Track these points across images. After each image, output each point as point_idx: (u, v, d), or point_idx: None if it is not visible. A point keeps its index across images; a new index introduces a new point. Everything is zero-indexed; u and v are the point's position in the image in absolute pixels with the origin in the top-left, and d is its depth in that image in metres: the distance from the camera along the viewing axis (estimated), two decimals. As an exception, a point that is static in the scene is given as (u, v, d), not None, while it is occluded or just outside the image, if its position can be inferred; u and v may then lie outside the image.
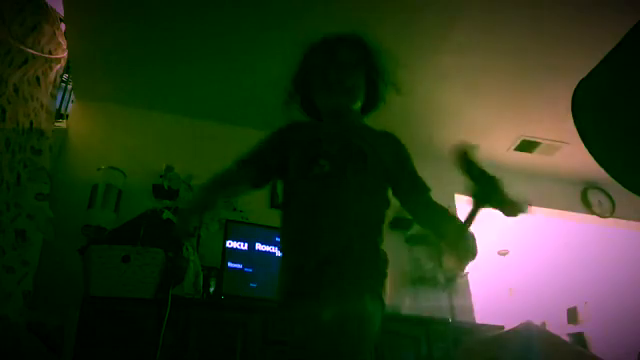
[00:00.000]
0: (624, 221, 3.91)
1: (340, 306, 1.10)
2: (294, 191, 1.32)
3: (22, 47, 2.03)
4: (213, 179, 1.49)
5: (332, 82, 1.36)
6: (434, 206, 1.33)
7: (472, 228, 1.17)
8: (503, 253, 5.25)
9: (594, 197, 3.86)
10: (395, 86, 1.44)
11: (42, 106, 2.35)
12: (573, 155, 3.46)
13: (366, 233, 1.24)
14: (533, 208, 1.17)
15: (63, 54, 2.51)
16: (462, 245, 1.17)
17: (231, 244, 2.47)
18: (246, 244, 2.50)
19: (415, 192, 1.35)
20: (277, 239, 2.50)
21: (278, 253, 2.50)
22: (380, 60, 1.42)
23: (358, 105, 1.41)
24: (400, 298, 2.78)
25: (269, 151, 1.47)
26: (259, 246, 2.54)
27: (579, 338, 4.74)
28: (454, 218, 1.29)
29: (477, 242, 1.20)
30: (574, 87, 0.97)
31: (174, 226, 1.30)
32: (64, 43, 2.49)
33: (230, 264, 2.40)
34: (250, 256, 2.48)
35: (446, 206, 1.35)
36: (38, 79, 2.28)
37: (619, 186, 0.94)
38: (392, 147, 1.38)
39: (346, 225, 1.21)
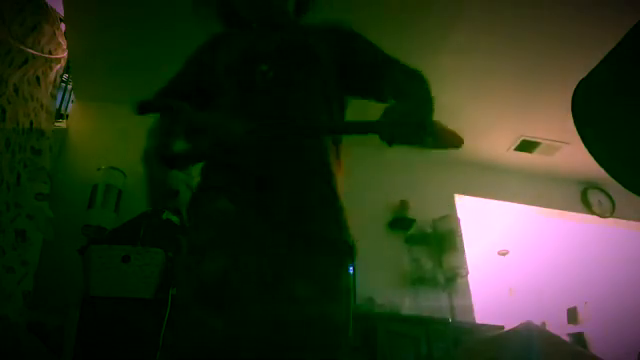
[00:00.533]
0: (624, 221, 3.91)
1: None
2: (228, 107, 1.09)
3: (22, 47, 2.03)
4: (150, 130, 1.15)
5: None
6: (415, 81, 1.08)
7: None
8: (503, 253, 5.25)
9: (594, 197, 3.86)
10: None
11: (42, 106, 2.35)
12: (573, 155, 3.46)
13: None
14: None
15: (63, 54, 2.51)
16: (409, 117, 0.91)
17: None
18: None
19: (383, 72, 1.11)
20: None
21: None
22: None
23: (290, 6, 1.21)
24: (400, 298, 2.78)
25: (193, 75, 1.25)
26: None
27: (579, 338, 4.74)
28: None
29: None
30: (574, 87, 0.97)
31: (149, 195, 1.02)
32: (64, 43, 2.49)
33: None
34: None
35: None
36: (38, 79, 2.28)
37: (619, 186, 0.94)
38: (342, 37, 1.17)
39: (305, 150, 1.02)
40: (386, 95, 1.08)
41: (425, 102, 0.99)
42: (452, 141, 0.98)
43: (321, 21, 1.20)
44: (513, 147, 3.43)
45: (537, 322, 2.84)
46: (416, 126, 0.88)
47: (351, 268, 1.02)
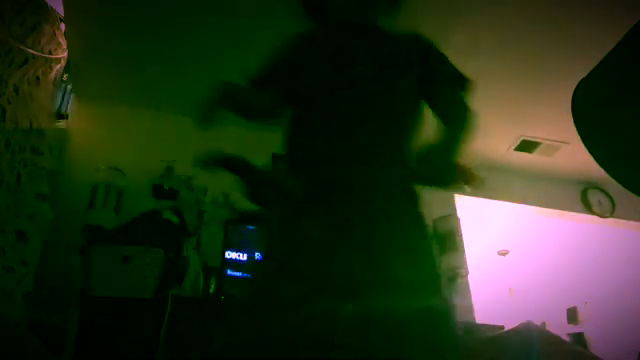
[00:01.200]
0: (624, 221, 3.91)
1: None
2: (329, 104, 1.13)
3: (22, 47, 2.03)
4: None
5: None
6: (462, 106, 1.21)
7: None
8: (503, 253, 5.25)
9: (594, 197, 3.86)
10: None
11: (42, 106, 2.35)
12: (573, 155, 3.46)
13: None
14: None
15: (63, 54, 2.51)
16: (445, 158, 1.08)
17: (230, 255, 2.42)
18: (245, 254, 2.45)
19: (446, 86, 1.24)
20: None
21: None
22: None
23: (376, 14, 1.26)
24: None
25: (286, 70, 1.26)
26: (259, 255, 2.46)
27: (579, 338, 4.74)
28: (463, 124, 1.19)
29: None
30: (574, 87, 0.97)
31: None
32: (64, 43, 2.49)
33: (229, 272, 2.38)
34: (250, 265, 2.44)
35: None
36: (38, 79, 2.28)
37: (619, 186, 0.94)
38: (422, 48, 1.25)
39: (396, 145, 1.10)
40: (436, 109, 1.22)
41: (456, 141, 1.15)
42: (470, 182, 1.15)
43: (402, 30, 1.28)
44: (513, 147, 3.43)
45: (537, 322, 2.84)
46: (443, 181, 1.10)
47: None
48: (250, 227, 2.58)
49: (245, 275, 2.40)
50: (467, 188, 1.14)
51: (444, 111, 1.22)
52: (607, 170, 0.94)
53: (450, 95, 1.23)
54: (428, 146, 1.06)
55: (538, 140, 3.37)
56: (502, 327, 2.72)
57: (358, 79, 1.11)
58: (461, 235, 3.16)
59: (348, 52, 1.17)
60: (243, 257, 2.44)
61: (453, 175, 1.11)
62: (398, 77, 1.15)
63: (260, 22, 2.41)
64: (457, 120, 1.19)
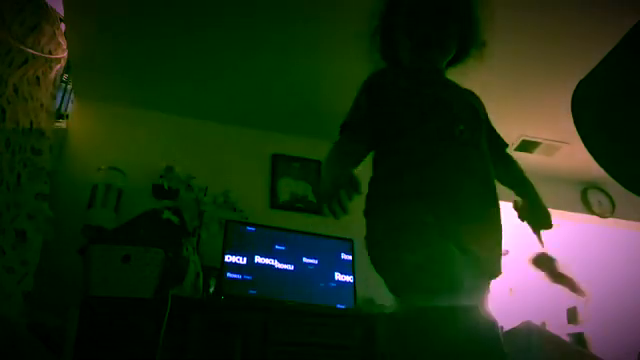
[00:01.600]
0: (624, 221, 3.91)
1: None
2: (432, 152, 1.18)
3: (22, 47, 2.03)
4: (334, 155, 1.20)
5: (430, 34, 1.24)
6: (514, 164, 1.42)
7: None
8: (503, 253, 5.24)
9: (594, 197, 3.86)
10: (483, 44, 1.35)
11: (42, 106, 2.35)
12: (573, 155, 3.46)
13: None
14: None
15: (63, 54, 2.51)
16: (544, 210, 1.35)
17: (230, 258, 2.41)
18: (245, 258, 2.44)
19: (497, 147, 1.41)
20: (277, 247, 2.52)
21: (277, 264, 2.48)
22: (474, 11, 1.32)
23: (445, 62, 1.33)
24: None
25: (378, 108, 1.26)
26: (258, 259, 2.47)
27: (579, 338, 4.74)
28: (531, 182, 1.38)
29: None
30: (574, 87, 0.97)
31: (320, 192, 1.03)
32: (64, 43, 2.49)
33: (229, 274, 2.38)
34: (249, 267, 2.45)
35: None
36: (38, 79, 2.28)
37: (619, 186, 0.94)
38: (481, 105, 1.40)
39: (489, 195, 1.27)
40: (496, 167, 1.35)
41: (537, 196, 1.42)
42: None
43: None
44: (513, 147, 3.43)
45: (537, 322, 2.84)
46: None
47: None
48: (250, 228, 2.58)
49: (245, 277, 2.40)
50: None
51: (506, 171, 1.44)
52: (607, 170, 0.94)
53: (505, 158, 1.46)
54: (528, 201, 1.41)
55: (538, 140, 3.37)
56: (502, 327, 2.72)
57: (458, 134, 1.19)
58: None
59: (450, 107, 1.24)
60: (242, 261, 2.43)
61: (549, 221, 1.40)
62: (481, 134, 1.28)
63: (259, 22, 2.41)
64: (524, 180, 1.43)
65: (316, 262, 2.58)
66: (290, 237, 2.63)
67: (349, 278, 2.62)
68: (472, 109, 1.28)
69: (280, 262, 2.50)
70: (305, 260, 2.56)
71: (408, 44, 1.28)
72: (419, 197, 1.13)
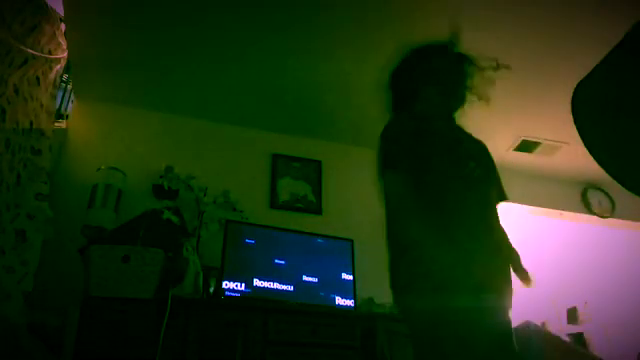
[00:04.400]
0: (624, 221, 3.91)
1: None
2: (446, 188, 1.36)
3: (22, 47, 2.03)
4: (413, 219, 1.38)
5: (462, 96, 1.52)
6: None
7: None
8: (503, 253, 5.24)
9: (594, 197, 3.86)
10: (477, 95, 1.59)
11: (42, 106, 2.35)
12: (573, 155, 3.46)
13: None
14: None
15: (63, 54, 2.51)
16: (523, 274, 1.45)
17: (228, 285, 2.35)
18: (243, 285, 2.39)
19: (499, 199, 1.55)
20: (276, 261, 2.50)
21: (278, 286, 2.45)
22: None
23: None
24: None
25: (411, 158, 1.43)
26: (257, 282, 2.42)
27: (579, 338, 4.74)
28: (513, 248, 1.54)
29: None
30: (574, 87, 0.97)
31: None
32: (64, 43, 2.49)
33: (228, 293, 2.36)
34: (249, 291, 2.40)
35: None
36: (38, 79, 2.28)
37: (619, 186, 0.94)
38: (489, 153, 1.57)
39: (496, 228, 1.42)
40: None
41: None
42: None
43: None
44: (513, 147, 3.43)
45: (537, 322, 2.84)
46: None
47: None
48: (249, 241, 2.54)
49: (247, 289, 2.38)
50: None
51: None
52: (607, 170, 0.94)
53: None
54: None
55: (538, 140, 3.37)
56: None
57: (469, 173, 1.38)
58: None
59: (463, 146, 1.45)
60: (241, 287, 2.39)
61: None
62: (492, 175, 1.50)
63: (260, 23, 2.41)
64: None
65: (316, 280, 2.55)
66: (290, 240, 2.62)
67: (349, 277, 2.62)
68: (485, 152, 1.52)
69: (280, 283, 2.47)
70: (305, 278, 2.53)
71: (433, 93, 1.51)
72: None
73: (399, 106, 1.58)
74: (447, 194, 1.36)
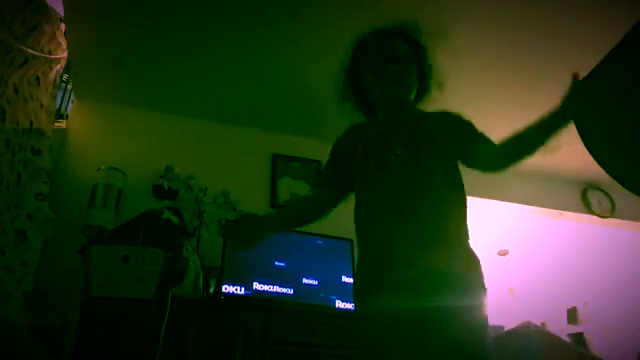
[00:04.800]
0: (624, 221, 3.91)
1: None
2: (370, 184, 1.33)
3: (22, 47, 2.03)
4: (291, 203, 1.49)
5: (392, 74, 1.39)
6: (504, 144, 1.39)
7: None
8: (503, 253, 5.25)
9: (594, 197, 3.86)
10: (440, 84, 1.50)
11: (42, 106, 2.35)
12: (573, 155, 3.45)
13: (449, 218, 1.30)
14: None
15: (63, 54, 2.51)
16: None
17: (227, 288, 2.33)
18: (243, 288, 2.37)
19: (484, 145, 1.40)
20: (276, 263, 2.50)
21: (278, 289, 2.44)
22: (428, 55, 1.50)
23: (412, 96, 1.46)
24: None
25: (339, 164, 1.48)
26: (257, 285, 2.41)
27: (579, 338, 4.74)
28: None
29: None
30: (574, 87, 0.97)
31: (227, 229, 1.24)
32: (64, 43, 2.49)
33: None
34: (248, 294, 2.39)
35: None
36: (38, 79, 2.28)
37: (619, 186, 0.94)
38: (455, 122, 1.44)
39: (431, 216, 1.25)
40: (477, 154, 1.39)
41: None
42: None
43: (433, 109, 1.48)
44: (513, 147, 3.43)
45: (537, 322, 2.84)
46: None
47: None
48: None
49: (247, 292, 2.38)
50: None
51: (490, 151, 1.40)
52: (607, 170, 0.94)
53: (488, 146, 1.41)
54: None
55: (538, 140, 3.37)
56: (502, 327, 2.72)
57: (394, 160, 1.30)
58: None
59: (389, 135, 1.36)
60: (240, 291, 2.37)
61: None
62: (430, 154, 1.32)
63: (260, 23, 2.41)
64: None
65: (316, 283, 2.54)
66: (290, 241, 2.62)
67: (349, 279, 2.62)
68: (417, 130, 1.36)
69: (280, 286, 2.45)
70: (305, 281, 2.52)
71: (379, 83, 1.41)
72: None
73: (356, 102, 1.53)
74: (358, 193, 1.38)
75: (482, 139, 1.41)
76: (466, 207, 1.35)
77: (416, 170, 1.28)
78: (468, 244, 1.29)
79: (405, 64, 1.41)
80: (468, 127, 1.43)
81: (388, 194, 1.26)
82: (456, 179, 1.37)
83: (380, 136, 1.37)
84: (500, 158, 1.37)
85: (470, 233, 1.32)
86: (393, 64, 1.39)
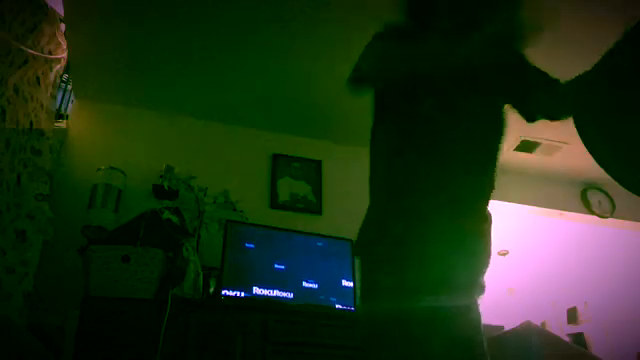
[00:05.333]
0: (624, 221, 3.91)
1: None
2: (402, 128, 1.24)
3: (22, 47, 2.03)
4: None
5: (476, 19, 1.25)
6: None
7: None
8: (503, 253, 5.25)
9: (594, 197, 3.86)
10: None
11: (42, 106, 2.35)
12: (573, 155, 3.46)
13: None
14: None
15: (63, 54, 2.51)
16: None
17: (227, 293, 2.32)
18: (242, 292, 2.36)
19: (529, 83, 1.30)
20: (275, 266, 2.49)
21: (278, 293, 2.43)
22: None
23: None
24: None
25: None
26: (257, 290, 2.39)
27: (579, 338, 4.74)
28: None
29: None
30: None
31: None
32: (64, 43, 2.49)
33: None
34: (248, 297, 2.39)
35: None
36: (38, 79, 2.28)
37: (619, 186, 0.94)
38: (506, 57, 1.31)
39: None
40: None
41: None
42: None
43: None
44: (513, 147, 3.43)
45: (537, 322, 2.84)
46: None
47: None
48: (249, 245, 2.53)
49: (247, 296, 2.37)
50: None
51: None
52: (607, 170, 0.94)
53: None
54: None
55: (538, 140, 3.37)
56: (502, 327, 2.72)
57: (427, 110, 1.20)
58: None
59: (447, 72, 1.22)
60: (240, 295, 2.37)
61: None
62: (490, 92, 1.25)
63: (259, 23, 2.41)
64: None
65: (316, 286, 2.54)
66: (290, 242, 2.62)
67: (349, 283, 2.61)
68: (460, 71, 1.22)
69: (280, 290, 2.45)
70: (305, 285, 2.52)
71: (446, 22, 1.26)
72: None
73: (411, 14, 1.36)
74: (404, 134, 1.26)
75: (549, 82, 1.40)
76: None
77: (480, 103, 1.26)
78: None
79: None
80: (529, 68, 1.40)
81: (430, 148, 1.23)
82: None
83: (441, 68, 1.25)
84: None
85: None
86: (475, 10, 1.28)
